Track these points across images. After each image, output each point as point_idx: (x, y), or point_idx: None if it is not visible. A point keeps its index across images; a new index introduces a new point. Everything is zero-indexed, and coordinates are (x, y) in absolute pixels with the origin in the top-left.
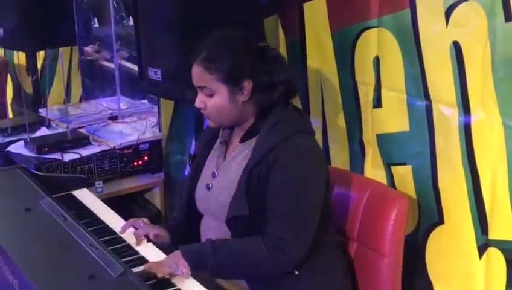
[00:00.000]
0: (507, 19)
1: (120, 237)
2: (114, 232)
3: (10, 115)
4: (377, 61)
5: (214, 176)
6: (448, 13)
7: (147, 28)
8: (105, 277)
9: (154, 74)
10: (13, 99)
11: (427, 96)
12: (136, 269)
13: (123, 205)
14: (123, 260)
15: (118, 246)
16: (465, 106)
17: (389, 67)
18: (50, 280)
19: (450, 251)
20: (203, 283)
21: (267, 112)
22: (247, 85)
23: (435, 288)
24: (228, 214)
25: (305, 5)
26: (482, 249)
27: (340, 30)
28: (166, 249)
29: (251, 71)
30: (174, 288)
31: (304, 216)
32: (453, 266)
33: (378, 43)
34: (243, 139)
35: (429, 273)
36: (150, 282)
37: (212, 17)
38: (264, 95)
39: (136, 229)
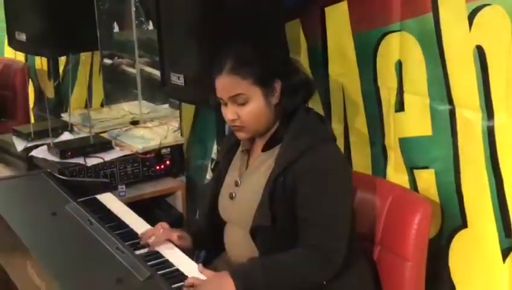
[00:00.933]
0: None
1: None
2: (138, 236)
3: (32, 120)
4: (399, 65)
5: (237, 185)
6: (471, 17)
7: (169, 34)
8: (132, 280)
9: (177, 79)
10: (35, 104)
11: (450, 101)
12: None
13: (146, 209)
14: (149, 263)
15: (144, 251)
16: (488, 109)
17: (412, 71)
18: (78, 283)
19: (474, 255)
20: None
21: (289, 118)
22: (278, 86)
23: None
24: (252, 224)
25: (327, 9)
26: (505, 253)
27: (361, 34)
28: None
29: (278, 72)
30: None
31: (339, 223)
32: (476, 269)
33: (400, 47)
34: (265, 148)
35: (452, 277)
36: (176, 286)
37: (234, 23)
38: (289, 98)
39: None
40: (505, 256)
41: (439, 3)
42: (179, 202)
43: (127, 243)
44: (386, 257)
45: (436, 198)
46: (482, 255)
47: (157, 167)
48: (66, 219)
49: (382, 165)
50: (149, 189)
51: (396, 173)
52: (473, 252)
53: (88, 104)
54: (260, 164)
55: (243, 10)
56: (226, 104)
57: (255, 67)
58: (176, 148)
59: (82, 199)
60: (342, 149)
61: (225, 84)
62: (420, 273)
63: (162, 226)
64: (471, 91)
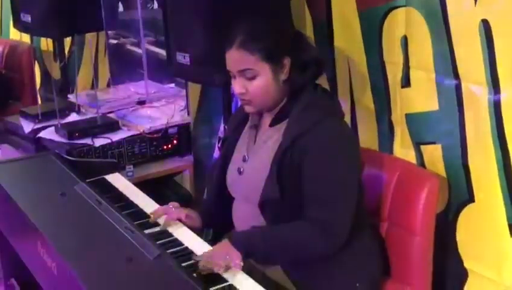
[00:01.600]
0: None
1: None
2: (148, 216)
3: (39, 101)
4: (405, 41)
5: (244, 160)
6: None
7: (175, 13)
8: (142, 259)
9: (183, 58)
10: (41, 85)
11: (456, 75)
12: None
13: (154, 189)
14: (158, 242)
15: (153, 230)
16: (494, 83)
17: (418, 46)
18: (88, 262)
19: (481, 229)
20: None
21: (297, 94)
22: (287, 62)
23: (465, 265)
24: (261, 198)
25: None
26: None
27: (367, 9)
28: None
29: (288, 49)
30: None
31: (344, 197)
32: (483, 243)
33: (406, 23)
34: (272, 123)
35: (460, 251)
36: (186, 264)
37: (240, 1)
38: (298, 74)
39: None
40: None
41: None
42: (186, 181)
43: (136, 223)
44: (394, 232)
45: (443, 173)
46: (490, 229)
47: (165, 147)
48: (75, 199)
49: (389, 141)
50: (157, 169)
51: (403, 149)
52: (480, 226)
53: (95, 84)
54: (268, 138)
55: None
56: (235, 77)
57: (264, 44)
58: (183, 128)
59: (90, 180)
60: (349, 125)
61: (235, 58)
62: (428, 248)
63: (173, 206)
64: (477, 65)
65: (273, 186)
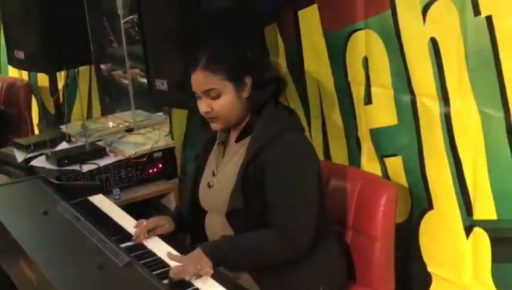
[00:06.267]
0: (476, 14)
1: (131, 235)
2: (126, 231)
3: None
4: (365, 61)
5: (214, 174)
6: (424, 11)
7: (152, 42)
8: (112, 266)
9: (161, 85)
10: (39, 120)
11: (411, 91)
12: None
13: (141, 211)
14: (132, 254)
15: (128, 244)
16: (444, 96)
17: (377, 65)
18: (64, 272)
19: (441, 234)
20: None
21: (260, 111)
22: (248, 81)
23: (429, 270)
24: (227, 208)
25: (300, 13)
26: (468, 230)
27: (332, 34)
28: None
29: (248, 68)
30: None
31: (304, 205)
32: (444, 247)
33: (366, 44)
34: (238, 139)
35: (423, 256)
36: (157, 272)
37: (214, 29)
38: (259, 92)
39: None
40: (468, 233)
41: (396, 0)
42: (172, 203)
43: (113, 237)
44: (358, 239)
45: (405, 183)
46: (448, 233)
47: (150, 171)
48: (55, 217)
49: (357, 155)
50: (143, 191)
51: (369, 162)
52: (440, 232)
53: (83, 115)
54: (234, 153)
55: (223, 17)
56: (200, 98)
57: (226, 64)
58: (167, 152)
59: (74, 201)
60: (321, 143)
61: (199, 79)
62: (389, 253)
63: (141, 223)
64: (429, 80)
65: (238, 198)
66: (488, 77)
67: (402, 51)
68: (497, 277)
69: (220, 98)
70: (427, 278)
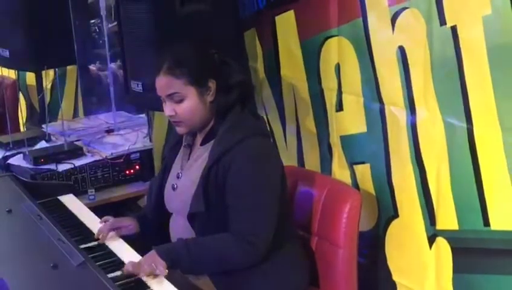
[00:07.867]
0: (441, 23)
1: (93, 235)
2: (90, 232)
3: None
4: (338, 68)
5: (178, 177)
6: (393, 20)
7: (130, 46)
8: (67, 266)
9: (136, 86)
10: (27, 118)
11: (380, 99)
12: (113, 274)
13: (117, 211)
14: (92, 255)
15: (90, 244)
16: (411, 106)
17: (348, 73)
18: (19, 271)
19: (405, 243)
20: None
21: (225, 115)
22: (212, 85)
23: (394, 278)
24: (189, 211)
25: (277, 18)
26: (431, 240)
27: (306, 40)
28: (134, 240)
29: (213, 72)
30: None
31: (263, 210)
32: (408, 256)
33: (338, 51)
34: (203, 142)
35: (389, 265)
36: (112, 275)
37: (184, 33)
38: (224, 96)
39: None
40: (431, 243)
41: (367, 8)
42: None
43: (76, 238)
44: (322, 245)
45: (373, 191)
46: (412, 242)
47: (127, 172)
48: (18, 215)
49: (329, 161)
50: (119, 192)
51: (340, 169)
52: (405, 240)
53: (62, 114)
54: (198, 157)
55: (202, 22)
56: (165, 102)
57: (188, 68)
58: (145, 153)
59: (43, 200)
60: (295, 148)
61: (162, 83)
62: (352, 260)
63: (106, 219)
64: (397, 89)
65: (199, 201)
66: (452, 87)
67: (372, 59)
68: (458, 287)
69: (183, 102)
70: (392, 287)
